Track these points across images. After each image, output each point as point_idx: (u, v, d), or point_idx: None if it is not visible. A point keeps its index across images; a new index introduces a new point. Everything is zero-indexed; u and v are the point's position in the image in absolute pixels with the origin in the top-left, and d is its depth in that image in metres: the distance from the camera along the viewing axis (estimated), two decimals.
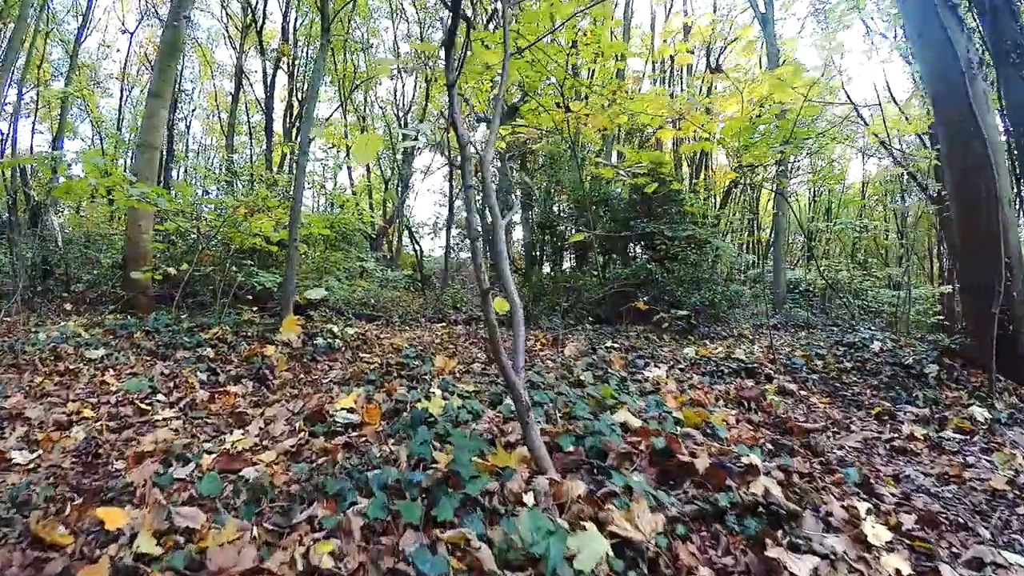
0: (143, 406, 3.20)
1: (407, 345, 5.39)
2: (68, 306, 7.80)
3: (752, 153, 7.32)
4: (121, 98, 22.32)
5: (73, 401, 3.38)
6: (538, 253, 14.69)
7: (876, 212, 24.26)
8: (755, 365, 5.07)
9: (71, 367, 3.99)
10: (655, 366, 4.85)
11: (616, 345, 5.54)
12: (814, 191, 23.85)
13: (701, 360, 5.19)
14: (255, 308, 7.80)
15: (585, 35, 6.68)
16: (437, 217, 28.68)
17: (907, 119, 13.75)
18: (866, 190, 23.61)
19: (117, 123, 22.23)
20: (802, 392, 4.89)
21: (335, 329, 5.36)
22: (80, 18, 20.45)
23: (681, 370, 4.88)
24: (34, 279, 8.50)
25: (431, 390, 3.35)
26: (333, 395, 3.40)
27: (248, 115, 23.55)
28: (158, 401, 3.28)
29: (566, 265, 13.76)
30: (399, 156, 23.18)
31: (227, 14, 20.97)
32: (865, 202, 23.35)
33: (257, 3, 19.30)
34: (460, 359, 4.73)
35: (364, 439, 2.72)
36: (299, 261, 6.53)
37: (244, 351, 4.31)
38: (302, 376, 3.89)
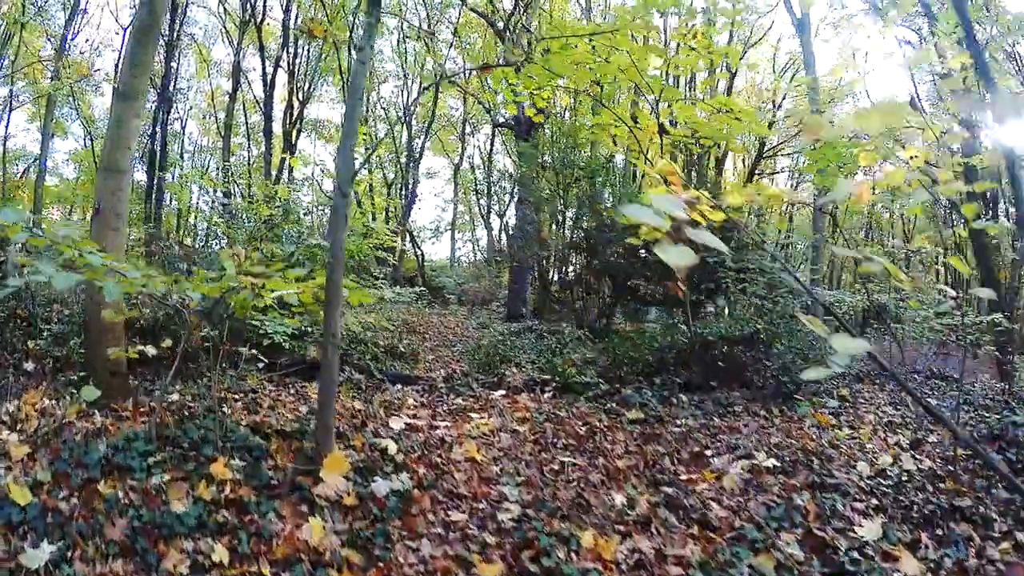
0: None
1: (494, 466, 3.62)
2: (29, 365, 5.82)
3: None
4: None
5: None
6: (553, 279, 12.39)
7: (883, 218, 22.77)
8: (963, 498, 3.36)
9: None
10: (850, 508, 3.17)
11: (772, 464, 3.76)
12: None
13: (885, 487, 3.45)
14: (262, 365, 5.83)
15: (695, 36, 4.89)
16: (438, 220, 26.95)
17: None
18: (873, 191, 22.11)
19: None
20: None
21: (390, 447, 3.55)
22: (68, 12, 18.12)
23: (883, 512, 3.16)
24: None
25: None
26: None
27: (246, 116, 21.32)
28: None
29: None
30: (402, 158, 21.08)
31: (225, 9, 18.71)
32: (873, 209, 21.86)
33: None
34: (600, 514, 2.97)
35: None
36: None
37: (278, 535, 2.49)
38: None
